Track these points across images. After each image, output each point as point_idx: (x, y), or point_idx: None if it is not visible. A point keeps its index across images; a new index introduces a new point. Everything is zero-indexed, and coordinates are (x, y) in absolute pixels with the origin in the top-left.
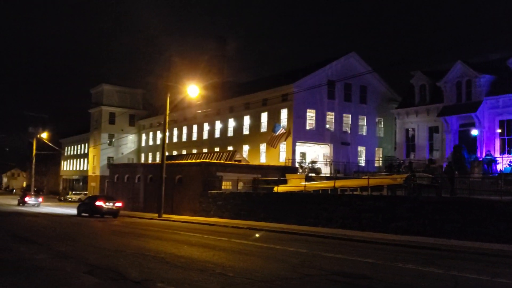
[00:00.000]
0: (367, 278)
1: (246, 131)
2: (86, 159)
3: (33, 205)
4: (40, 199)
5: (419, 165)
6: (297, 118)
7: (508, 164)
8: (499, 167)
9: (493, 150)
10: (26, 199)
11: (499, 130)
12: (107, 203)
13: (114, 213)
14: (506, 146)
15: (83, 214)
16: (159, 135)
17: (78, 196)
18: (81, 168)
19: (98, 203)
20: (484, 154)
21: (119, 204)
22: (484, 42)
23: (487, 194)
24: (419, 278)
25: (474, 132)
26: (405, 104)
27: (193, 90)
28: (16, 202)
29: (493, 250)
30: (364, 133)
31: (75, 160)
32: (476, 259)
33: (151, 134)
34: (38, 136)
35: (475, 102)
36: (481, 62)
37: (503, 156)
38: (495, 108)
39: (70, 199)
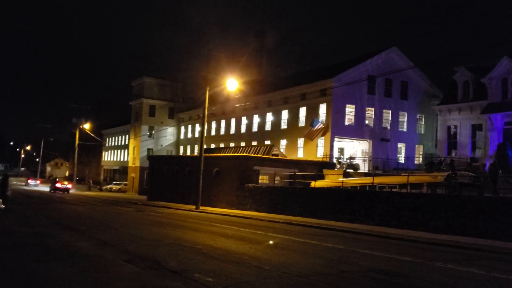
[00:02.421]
0: (405, 276)
1: (284, 126)
2: (126, 150)
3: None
4: (69, 185)
5: (460, 163)
6: (335, 113)
7: None
8: None
9: None
10: (57, 185)
11: None
12: (62, 184)
13: (67, 190)
14: None
15: (51, 191)
16: (197, 128)
17: (118, 187)
18: (122, 159)
19: (57, 184)
20: None
21: (69, 186)
22: None
23: None
24: (459, 279)
25: None
26: (447, 100)
27: (232, 84)
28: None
29: None
30: (404, 130)
31: (116, 151)
32: None
33: (189, 127)
34: (81, 126)
35: None
36: None
37: None
38: None
39: (110, 189)
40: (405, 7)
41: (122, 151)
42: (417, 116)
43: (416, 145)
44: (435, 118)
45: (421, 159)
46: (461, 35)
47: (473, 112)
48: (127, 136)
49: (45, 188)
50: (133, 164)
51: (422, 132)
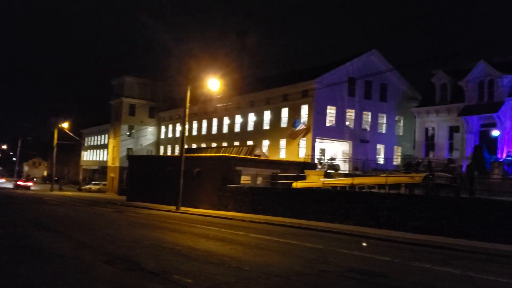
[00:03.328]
0: (384, 276)
1: (266, 126)
2: (106, 149)
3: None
4: (30, 183)
5: (438, 164)
6: (317, 115)
7: None
8: None
9: None
10: (19, 183)
11: None
12: (23, 183)
13: (27, 187)
14: None
15: (14, 187)
16: (178, 127)
17: (97, 187)
18: (101, 159)
19: (19, 182)
20: (505, 155)
21: (30, 184)
22: (508, 42)
23: (507, 196)
24: (435, 278)
25: (495, 132)
26: (426, 103)
27: (213, 84)
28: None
29: None
30: (384, 131)
31: (95, 150)
32: (494, 260)
33: (170, 126)
34: (60, 125)
35: (497, 102)
36: (504, 62)
37: None
38: None
39: (89, 189)
40: (385, 10)
41: (102, 150)
42: (396, 118)
43: (395, 147)
44: (414, 120)
45: (399, 160)
46: (440, 38)
47: (450, 114)
48: (106, 135)
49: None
50: (112, 164)
51: (401, 133)
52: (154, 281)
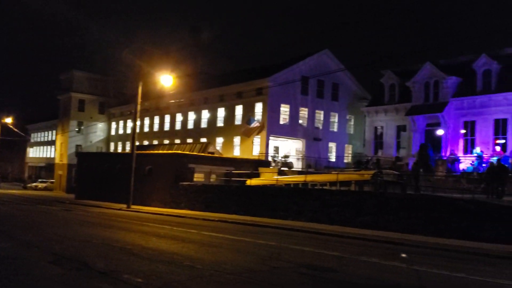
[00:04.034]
0: (333, 271)
1: (220, 123)
2: (53, 146)
3: None
4: None
5: (386, 162)
6: (271, 113)
7: (471, 164)
8: (462, 166)
9: (457, 149)
10: None
11: (463, 131)
12: None
13: None
14: (469, 146)
15: None
16: (129, 124)
17: (44, 185)
18: (48, 156)
19: None
20: (448, 153)
21: None
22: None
23: (450, 192)
24: (382, 272)
25: (440, 131)
26: (375, 102)
27: (166, 80)
28: None
29: (454, 246)
30: (335, 130)
31: (42, 147)
32: (437, 254)
33: (121, 122)
34: (3, 121)
35: (442, 103)
36: (449, 64)
37: (466, 155)
38: (460, 109)
39: (35, 187)
40: (337, 11)
41: (49, 147)
42: (347, 117)
43: (346, 145)
44: (364, 119)
45: (350, 158)
46: (389, 39)
47: (398, 113)
48: (54, 131)
49: None
50: (60, 161)
51: (352, 132)
52: (103, 281)
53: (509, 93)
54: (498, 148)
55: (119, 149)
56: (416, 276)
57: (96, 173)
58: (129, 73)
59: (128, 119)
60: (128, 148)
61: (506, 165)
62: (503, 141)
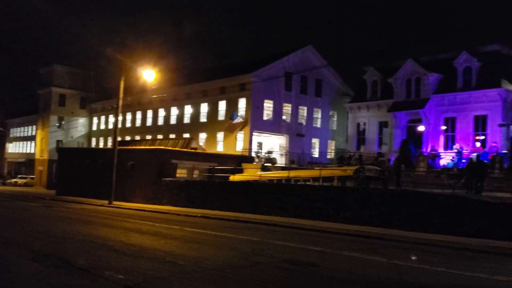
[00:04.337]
0: (315, 266)
1: (203, 119)
2: (33, 141)
3: None
4: None
5: (368, 158)
6: (254, 108)
7: (451, 159)
8: (442, 162)
9: (437, 145)
10: None
11: (443, 127)
12: None
13: None
14: (449, 143)
15: None
16: (111, 119)
17: (24, 181)
18: (28, 151)
19: None
20: (429, 149)
21: None
22: (435, 41)
23: (431, 187)
24: (364, 267)
25: (421, 128)
26: (358, 98)
27: (148, 74)
28: None
29: (434, 240)
30: (319, 126)
31: (22, 142)
32: (418, 249)
33: (103, 118)
34: None
35: (423, 99)
36: (431, 61)
37: (446, 151)
38: (441, 105)
39: (15, 183)
40: (320, 7)
41: (29, 142)
42: (330, 113)
43: (329, 141)
44: (347, 115)
45: (333, 153)
46: (372, 36)
47: (380, 110)
48: (34, 126)
49: None
50: (40, 156)
51: (335, 128)
52: (84, 278)
53: (488, 90)
54: (478, 144)
55: (101, 145)
56: (397, 271)
57: (77, 169)
58: (111, 67)
59: (110, 114)
60: (110, 143)
61: (485, 161)
62: (482, 137)
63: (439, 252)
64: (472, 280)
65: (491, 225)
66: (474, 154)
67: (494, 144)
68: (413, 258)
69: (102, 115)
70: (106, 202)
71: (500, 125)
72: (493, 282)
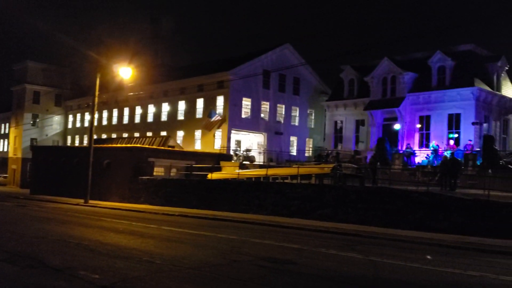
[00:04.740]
0: (293, 263)
1: (181, 117)
2: (7, 139)
3: None
4: None
5: (345, 155)
6: (232, 106)
7: (426, 157)
8: (417, 159)
9: (412, 143)
10: None
11: (418, 125)
12: None
13: None
14: (424, 140)
15: None
16: (87, 117)
17: None
18: (1, 149)
19: None
20: (404, 147)
21: None
22: (410, 41)
23: (406, 185)
24: (340, 263)
25: (397, 126)
26: (335, 97)
27: (125, 72)
28: None
29: (409, 237)
30: (297, 124)
31: None
32: (394, 245)
33: (78, 115)
34: None
35: (399, 98)
36: (406, 60)
37: (421, 149)
38: (416, 104)
39: None
40: (298, 5)
41: (2, 140)
42: (308, 111)
43: (307, 139)
44: (324, 113)
45: (311, 151)
46: (350, 35)
47: (357, 108)
48: (7, 124)
49: None
50: (14, 155)
51: (312, 126)
52: (58, 278)
53: (462, 88)
54: (451, 142)
55: (77, 143)
56: (373, 267)
57: (52, 168)
58: (86, 64)
59: (86, 111)
60: (86, 141)
61: (459, 159)
62: (456, 135)
63: (414, 248)
64: (445, 276)
65: (465, 222)
66: (448, 152)
67: (469, 142)
68: (389, 254)
69: (78, 112)
70: (81, 201)
71: (473, 124)
72: (466, 277)
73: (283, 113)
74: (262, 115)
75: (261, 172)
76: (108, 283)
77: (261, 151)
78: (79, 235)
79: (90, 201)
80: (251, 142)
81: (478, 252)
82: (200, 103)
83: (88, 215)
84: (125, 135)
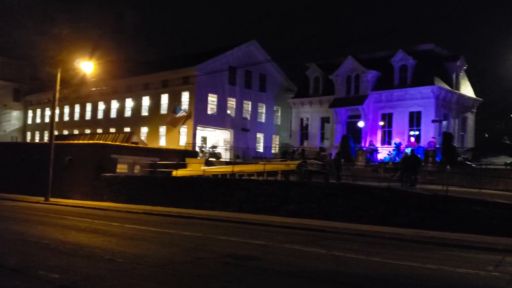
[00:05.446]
0: (257, 259)
1: (145, 113)
2: None
3: None
4: None
5: (311, 152)
6: (198, 102)
7: (388, 154)
8: (380, 156)
9: (375, 140)
10: None
11: (381, 123)
12: None
13: None
14: (386, 138)
15: None
16: (48, 112)
17: None
18: None
19: None
20: (368, 144)
21: None
22: (375, 40)
23: (369, 181)
24: (304, 258)
25: (360, 123)
26: (301, 94)
27: (87, 66)
28: None
29: (371, 231)
30: (263, 121)
31: None
32: (356, 240)
33: (38, 111)
34: None
35: (362, 96)
36: (369, 59)
37: (384, 146)
38: (379, 102)
39: None
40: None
41: None
42: (274, 108)
43: (273, 135)
44: (290, 111)
45: (277, 148)
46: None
47: (322, 106)
48: None
49: None
50: None
51: (279, 123)
52: (15, 279)
53: (423, 87)
54: (412, 139)
55: (37, 139)
56: (335, 262)
57: (11, 165)
58: (47, 58)
59: (47, 107)
60: (46, 138)
61: (419, 155)
62: (417, 132)
63: (375, 243)
64: (405, 269)
65: (424, 216)
66: (409, 149)
67: (432, 139)
68: (351, 248)
69: (38, 108)
70: (42, 199)
71: (433, 121)
72: (424, 270)
73: (250, 109)
74: (228, 111)
75: (227, 169)
76: (69, 282)
77: (227, 147)
78: (39, 233)
79: (51, 199)
80: (218, 138)
81: (437, 245)
82: (165, 98)
83: (49, 213)
84: (87, 131)
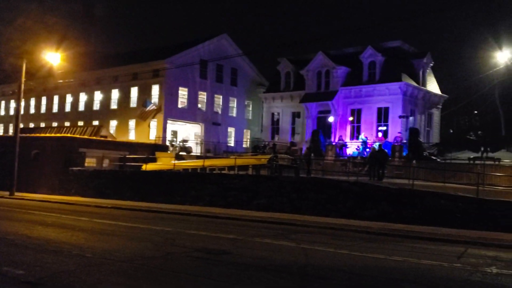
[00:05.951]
0: (228, 253)
1: (114, 106)
2: None
3: None
4: None
5: (282, 147)
6: (168, 95)
7: (356, 149)
8: (349, 151)
9: (345, 135)
10: None
11: (350, 118)
12: None
13: None
14: (355, 133)
15: None
16: (12, 104)
17: None
18: None
19: None
20: (337, 139)
21: None
22: (345, 35)
23: (338, 175)
24: (274, 252)
25: (330, 118)
26: (272, 89)
27: (54, 58)
28: None
29: (340, 224)
30: (234, 115)
31: None
32: (325, 233)
33: (3, 103)
34: None
35: (332, 91)
36: (339, 54)
37: (353, 141)
38: (348, 97)
39: None
40: None
41: None
42: (246, 103)
43: (245, 130)
44: (262, 105)
45: (248, 143)
46: (287, 27)
47: (293, 100)
48: None
49: None
50: None
51: (250, 117)
52: None
53: (390, 83)
54: (380, 134)
55: (1, 132)
56: (304, 254)
57: None
58: (10, 48)
59: (11, 99)
60: (11, 131)
61: (386, 150)
62: (384, 128)
63: (343, 236)
64: (372, 261)
65: (391, 210)
66: (377, 144)
67: (399, 135)
68: (320, 241)
69: (2, 100)
70: (7, 193)
71: (400, 117)
72: (390, 262)
73: (221, 104)
74: (199, 105)
75: (198, 163)
76: (34, 278)
77: (198, 142)
78: (3, 229)
79: (17, 193)
80: (188, 132)
81: (403, 238)
82: (134, 91)
83: (14, 208)
84: (54, 124)
